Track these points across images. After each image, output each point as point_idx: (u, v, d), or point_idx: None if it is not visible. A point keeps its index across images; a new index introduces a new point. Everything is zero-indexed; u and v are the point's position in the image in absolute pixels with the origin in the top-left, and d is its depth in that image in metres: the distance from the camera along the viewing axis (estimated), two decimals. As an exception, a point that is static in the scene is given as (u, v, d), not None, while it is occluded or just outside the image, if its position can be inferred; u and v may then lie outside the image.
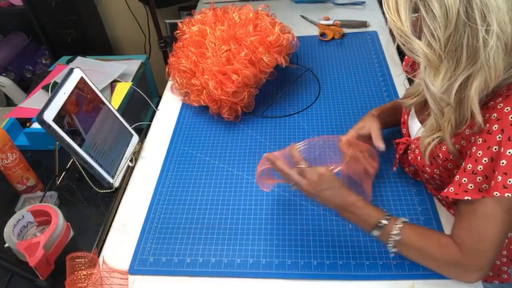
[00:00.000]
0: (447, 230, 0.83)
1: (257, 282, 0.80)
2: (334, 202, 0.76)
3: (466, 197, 0.65)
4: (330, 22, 1.52)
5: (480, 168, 0.64)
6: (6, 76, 2.07)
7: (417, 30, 0.61)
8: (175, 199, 0.97)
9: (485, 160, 0.63)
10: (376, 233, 0.73)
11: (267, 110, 1.20)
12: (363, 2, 1.64)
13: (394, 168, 0.94)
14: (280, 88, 1.27)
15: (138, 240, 0.89)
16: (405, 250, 0.74)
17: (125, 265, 0.85)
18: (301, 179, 0.76)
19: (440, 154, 0.75)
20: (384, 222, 0.72)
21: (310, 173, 0.76)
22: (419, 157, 0.80)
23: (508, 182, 0.61)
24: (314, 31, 1.52)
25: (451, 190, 0.68)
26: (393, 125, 0.98)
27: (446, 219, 0.85)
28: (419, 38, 0.61)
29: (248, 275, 0.81)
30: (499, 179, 0.61)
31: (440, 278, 0.76)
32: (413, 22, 0.61)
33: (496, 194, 0.61)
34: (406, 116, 0.90)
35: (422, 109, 0.83)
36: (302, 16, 1.63)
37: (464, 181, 0.66)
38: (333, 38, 1.47)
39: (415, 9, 0.60)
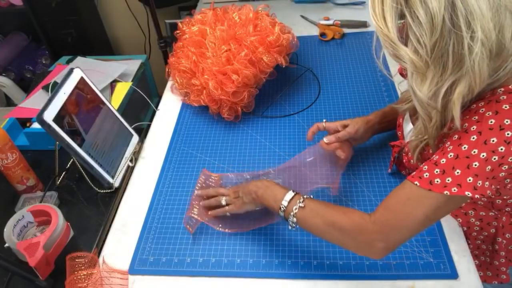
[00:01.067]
0: (447, 230, 0.83)
1: (257, 282, 0.80)
2: (255, 185, 0.82)
3: (416, 182, 0.65)
4: (330, 22, 1.52)
5: (442, 161, 0.64)
6: (6, 76, 2.06)
7: (404, 36, 0.61)
8: (175, 199, 0.97)
9: (450, 155, 0.63)
10: (284, 203, 0.76)
11: (267, 110, 1.20)
12: (363, 2, 1.64)
13: (389, 170, 0.94)
14: (280, 88, 1.27)
15: (138, 240, 0.89)
16: (308, 218, 0.74)
17: (125, 265, 0.85)
18: (228, 190, 0.88)
19: (430, 157, 0.75)
20: (292, 193, 0.77)
21: (232, 187, 0.89)
22: (412, 160, 0.80)
23: (478, 184, 0.61)
24: (314, 31, 1.52)
25: (413, 173, 0.68)
26: (389, 128, 0.99)
27: (444, 219, 0.85)
28: (406, 44, 0.61)
29: (248, 275, 0.81)
30: (470, 180, 0.61)
31: (440, 278, 0.76)
32: (399, 28, 0.61)
33: (446, 193, 0.62)
34: (401, 119, 0.91)
35: (416, 112, 0.83)
36: (302, 16, 1.63)
37: (425, 168, 0.66)
38: (333, 38, 1.47)
39: (401, 16, 0.59)
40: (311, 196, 0.77)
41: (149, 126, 1.20)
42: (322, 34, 1.48)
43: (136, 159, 1.09)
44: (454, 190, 0.62)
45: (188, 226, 0.89)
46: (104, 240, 0.91)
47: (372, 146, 1.03)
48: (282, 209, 0.76)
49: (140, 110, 1.51)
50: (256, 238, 0.87)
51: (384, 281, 0.77)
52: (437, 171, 0.64)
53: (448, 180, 0.62)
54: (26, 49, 2.21)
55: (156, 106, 1.27)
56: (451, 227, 0.84)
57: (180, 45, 1.21)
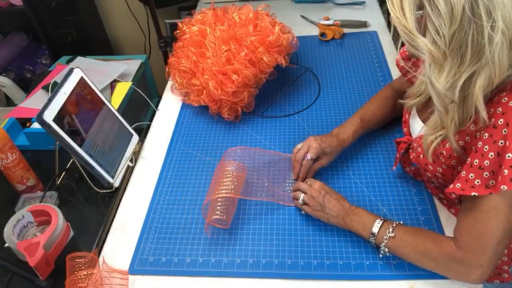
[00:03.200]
0: (447, 230, 0.83)
1: (257, 282, 0.80)
2: (336, 208, 0.82)
3: (473, 193, 0.65)
4: (330, 22, 1.52)
5: (487, 163, 0.64)
6: (6, 76, 2.07)
7: (422, 27, 0.61)
8: (175, 199, 0.97)
9: (491, 155, 0.63)
10: (374, 232, 0.77)
11: (267, 110, 1.20)
12: (363, 2, 1.64)
13: (394, 168, 0.94)
14: (280, 88, 1.27)
15: (138, 240, 0.89)
16: (399, 248, 0.75)
17: (125, 265, 0.85)
18: (309, 187, 0.87)
19: (443, 152, 0.75)
20: (380, 221, 0.78)
21: (312, 181, 0.88)
22: (421, 156, 0.80)
23: None
24: (314, 31, 1.52)
25: (458, 186, 0.67)
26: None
27: (446, 219, 0.85)
28: (424, 35, 0.61)
29: (248, 275, 0.81)
30: (506, 173, 0.61)
31: (440, 278, 0.76)
32: (418, 19, 0.61)
33: (504, 188, 0.61)
34: (407, 115, 0.90)
35: (424, 108, 0.83)
36: (302, 16, 1.63)
37: (471, 176, 0.66)
38: (333, 38, 1.47)
39: (420, 6, 0.60)
40: (401, 222, 0.78)
41: (149, 126, 1.20)
42: (322, 34, 1.48)
43: (136, 159, 1.09)
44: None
45: (220, 225, 0.88)
46: (104, 240, 0.91)
47: (372, 145, 1.03)
48: (372, 238, 0.78)
49: (140, 110, 1.51)
50: (256, 238, 0.87)
51: (384, 281, 0.77)
52: (486, 174, 0.64)
53: (499, 178, 0.62)
54: (26, 49, 2.21)
55: (156, 106, 1.27)
56: (451, 226, 0.84)
57: (180, 45, 1.21)
